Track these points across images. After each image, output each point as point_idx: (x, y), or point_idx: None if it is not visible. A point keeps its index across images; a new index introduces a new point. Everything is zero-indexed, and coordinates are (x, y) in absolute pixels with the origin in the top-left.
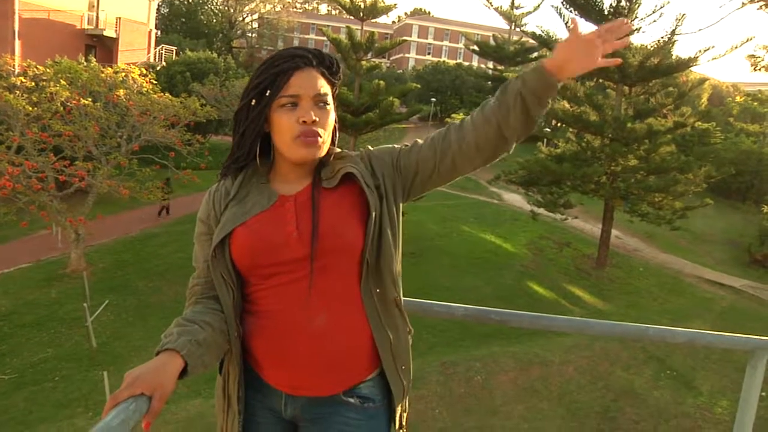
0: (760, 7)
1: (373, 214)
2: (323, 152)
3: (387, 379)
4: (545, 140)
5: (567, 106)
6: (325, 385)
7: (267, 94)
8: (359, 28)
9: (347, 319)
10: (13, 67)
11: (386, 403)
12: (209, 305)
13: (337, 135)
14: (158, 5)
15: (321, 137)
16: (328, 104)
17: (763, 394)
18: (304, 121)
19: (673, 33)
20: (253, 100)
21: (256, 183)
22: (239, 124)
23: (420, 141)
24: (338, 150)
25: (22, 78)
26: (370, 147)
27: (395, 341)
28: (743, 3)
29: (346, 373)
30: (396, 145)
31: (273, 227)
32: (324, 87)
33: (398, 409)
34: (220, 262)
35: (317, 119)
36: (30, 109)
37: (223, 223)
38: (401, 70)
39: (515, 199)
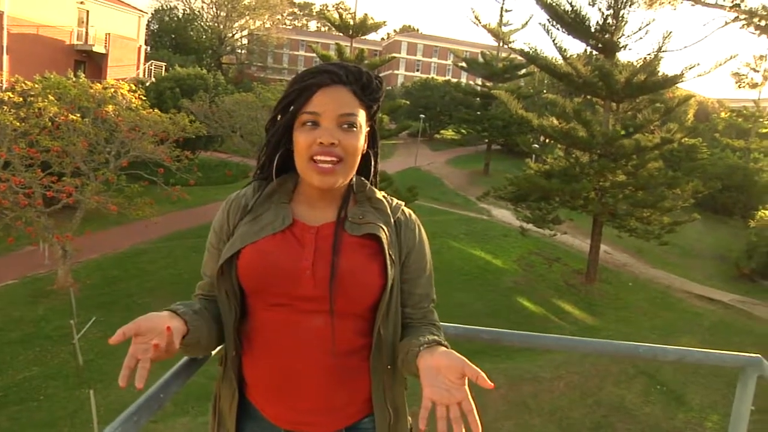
0: (743, 26)
1: (389, 284)
2: (342, 181)
3: None
4: (534, 156)
5: (556, 122)
6: (326, 424)
7: (291, 109)
8: (349, 45)
9: (352, 368)
10: (1, 83)
11: None
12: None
13: (376, 165)
14: (148, 21)
15: (341, 162)
16: (355, 126)
17: (753, 408)
18: (321, 143)
19: (659, 50)
20: (279, 115)
21: (277, 201)
22: (266, 137)
23: (418, 291)
24: (377, 192)
25: (9, 93)
26: (413, 216)
27: (394, 422)
28: (726, 22)
29: (349, 412)
30: (427, 261)
31: (285, 255)
32: (352, 107)
33: None
34: (227, 280)
35: (336, 141)
36: (17, 124)
37: (233, 240)
38: (390, 87)
39: (504, 214)
